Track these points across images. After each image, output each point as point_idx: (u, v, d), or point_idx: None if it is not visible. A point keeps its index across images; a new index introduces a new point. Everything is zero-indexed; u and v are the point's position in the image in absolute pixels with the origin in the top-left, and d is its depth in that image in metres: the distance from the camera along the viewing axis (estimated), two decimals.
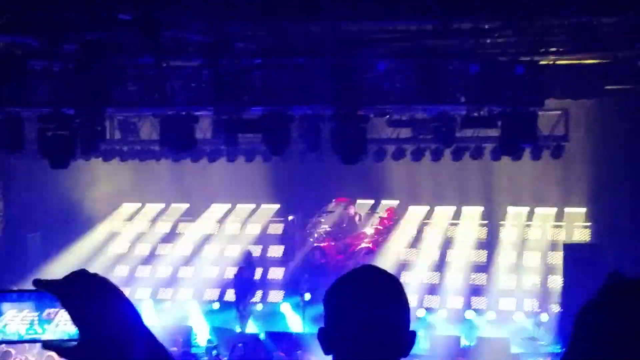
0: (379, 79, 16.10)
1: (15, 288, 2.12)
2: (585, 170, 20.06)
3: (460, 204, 21.89)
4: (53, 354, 2.07)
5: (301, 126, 17.33)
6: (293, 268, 21.93)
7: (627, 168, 19.24)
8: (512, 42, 15.71)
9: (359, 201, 22.42)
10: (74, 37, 14.70)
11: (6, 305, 2.07)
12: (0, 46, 15.11)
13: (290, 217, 22.70)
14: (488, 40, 15.82)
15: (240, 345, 17.14)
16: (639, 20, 14.49)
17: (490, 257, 21.17)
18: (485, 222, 21.70)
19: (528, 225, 21.43)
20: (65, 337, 2.04)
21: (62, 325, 2.05)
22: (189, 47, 15.68)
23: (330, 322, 2.57)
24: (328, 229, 22.03)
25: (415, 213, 22.27)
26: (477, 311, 19.69)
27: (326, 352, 2.56)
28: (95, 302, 1.97)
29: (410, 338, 2.57)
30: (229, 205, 23.16)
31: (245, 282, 19.99)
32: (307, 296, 18.95)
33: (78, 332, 1.97)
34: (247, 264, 20.28)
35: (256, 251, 22.51)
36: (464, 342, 18.08)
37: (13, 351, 14.67)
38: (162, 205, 23.51)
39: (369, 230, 22.12)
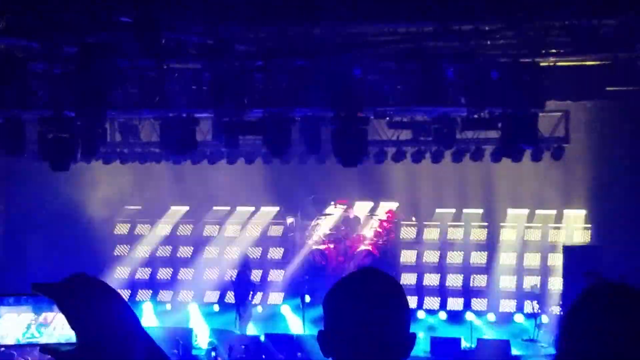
0: (379, 81, 16.11)
1: (13, 292, 2.12)
2: (586, 172, 20.06)
3: (461, 205, 21.89)
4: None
5: (301, 128, 17.34)
6: (293, 270, 21.92)
7: (628, 170, 19.24)
8: (512, 43, 15.71)
9: (358, 203, 22.42)
10: (74, 39, 14.69)
11: (3, 309, 2.06)
12: (0, 48, 15.10)
13: (290, 220, 22.70)
14: (488, 42, 15.82)
15: (242, 347, 17.14)
16: (639, 21, 14.49)
17: (490, 258, 21.17)
18: (486, 223, 21.70)
19: (528, 227, 21.42)
20: (63, 341, 2.03)
21: (59, 328, 2.04)
22: (189, 50, 15.67)
23: (330, 324, 2.56)
24: (328, 232, 22.03)
25: (415, 215, 22.28)
26: (477, 313, 19.68)
27: (326, 355, 2.56)
28: (93, 305, 1.96)
29: (410, 340, 2.57)
30: (229, 208, 23.17)
31: (244, 284, 19.98)
32: (307, 298, 18.94)
33: (75, 335, 1.97)
34: (245, 267, 20.27)
35: (256, 253, 22.52)
36: (464, 344, 18.06)
37: (15, 353, 14.66)
38: (163, 208, 23.51)
39: (368, 232, 22.11)
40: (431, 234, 22.02)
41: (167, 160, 20.50)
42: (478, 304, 20.24)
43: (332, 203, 22.41)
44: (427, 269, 21.36)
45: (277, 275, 22.15)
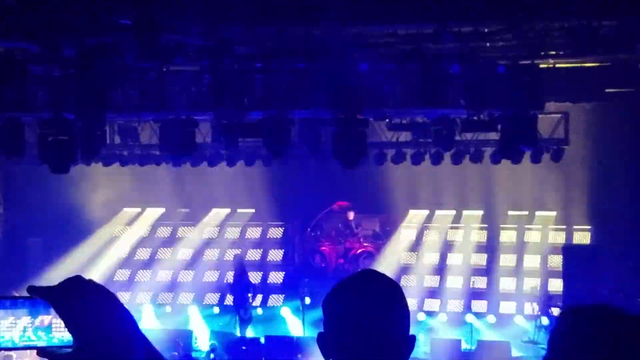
0: (379, 83, 16.11)
1: (13, 294, 2.12)
2: (585, 174, 20.06)
3: (460, 207, 21.89)
4: None
5: (301, 130, 17.35)
6: (293, 272, 21.93)
7: (627, 171, 19.24)
8: (512, 45, 15.71)
9: (358, 205, 22.42)
10: (74, 41, 14.69)
11: (0, 312, 2.06)
12: (0, 51, 15.10)
13: (289, 222, 22.70)
14: (488, 44, 15.82)
15: (243, 348, 17.14)
16: (638, 23, 14.49)
17: (490, 260, 21.18)
18: (485, 225, 21.71)
19: (528, 229, 21.43)
20: (60, 344, 2.03)
21: (56, 331, 2.04)
22: (188, 51, 15.67)
23: (330, 326, 2.56)
24: (328, 233, 22.03)
25: (415, 217, 22.29)
26: (478, 315, 19.67)
27: (326, 357, 2.56)
28: (90, 308, 1.96)
29: (410, 342, 2.56)
30: (228, 210, 23.18)
31: (243, 286, 19.97)
32: (307, 300, 18.95)
33: (72, 338, 1.96)
34: (241, 269, 20.26)
35: (256, 255, 22.53)
36: (464, 346, 18.06)
37: (14, 355, 14.66)
38: (163, 210, 23.53)
39: (368, 234, 22.12)
40: (431, 235, 22.02)
41: (166, 162, 20.49)
42: (478, 305, 20.22)
43: (333, 204, 22.40)
44: (427, 271, 21.36)
45: (277, 277, 22.16)
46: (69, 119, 16.01)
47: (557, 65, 16.30)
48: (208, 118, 17.57)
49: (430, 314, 20.03)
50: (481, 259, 21.34)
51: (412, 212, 22.31)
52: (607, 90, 17.20)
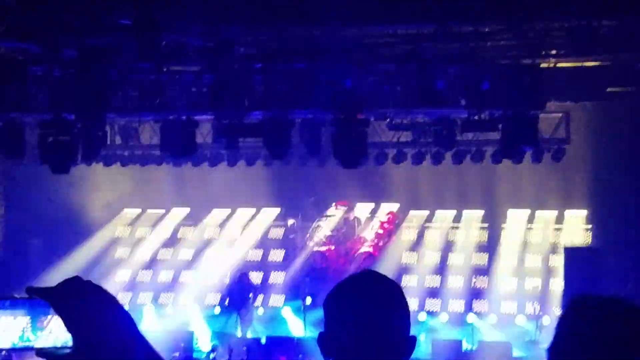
0: (379, 83, 16.10)
1: (13, 295, 2.11)
2: (586, 173, 20.05)
3: (461, 207, 21.88)
4: None
5: (302, 130, 17.34)
6: (294, 272, 21.92)
7: (628, 171, 19.22)
8: (512, 45, 15.70)
9: (359, 205, 22.42)
10: (74, 42, 14.69)
11: None
12: (0, 51, 15.10)
13: (290, 222, 22.70)
14: (488, 43, 15.81)
15: (244, 349, 17.14)
16: (639, 23, 14.48)
17: (491, 260, 21.16)
18: (486, 225, 21.69)
19: (529, 228, 21.42)
20: (59, 345, 2.03)
21: (55, 332, 2.04)
22: (189, 52, 15.67)
23: (330, 327, 2.56)
24: (328, 234, 22.02)
25: (415, 216, 22.28)
26: (479, 315, 19.66)
27: (326, 357, 2.55)
28: (89, 309, 1.95)
29: (411, 343, 2.56)
30: (229, 210, 23.17)
31: (243, 287, 19.99)
32: (308, 300, 18.95)
33: (72, 339, 1.96)
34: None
35: (257, 255, 22.53)
36: (465, 346, 18.06)
37: (13, 356, 14.66)
38: (163, 210, 23.53)
39: (369, 234, 22.11)
40: (432, 235, 22.01)
41: (167, 162, 20.49)
42: (479, 305, 20.21)
43: (333, 205, 22.39)
44: (428, 271, 21.34)
45: (278, 278, 22.15)
46: (69, 120, 16.02)
47: (557, 65, 16.30)
48: (208, 118, 17.56)
49: (431, 314, 20.02)
50: (482, 259, 21.33)
51: (412, 212, 22.30)
52: (608, 89, 17.20)
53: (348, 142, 15.91)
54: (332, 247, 21.84)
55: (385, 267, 19.49)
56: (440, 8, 14.07)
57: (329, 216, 22.29)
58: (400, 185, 21.53)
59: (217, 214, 23.20)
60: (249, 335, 19.25)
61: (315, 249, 21.89)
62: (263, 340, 18.15)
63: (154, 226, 23.43)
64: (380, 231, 22.08)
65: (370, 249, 21.69)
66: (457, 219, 21.97)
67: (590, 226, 20.75)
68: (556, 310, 18.99)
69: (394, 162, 19.82)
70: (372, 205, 22.47)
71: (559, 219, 21.25)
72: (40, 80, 15.96)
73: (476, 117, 16.60)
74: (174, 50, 15.18)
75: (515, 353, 17.70)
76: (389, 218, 22.19)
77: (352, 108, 15.77)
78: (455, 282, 20.95)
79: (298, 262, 22.15)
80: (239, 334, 19.15)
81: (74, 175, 18.67)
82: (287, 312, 20.23)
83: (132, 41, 14.08)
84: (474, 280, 20.89)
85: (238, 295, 19.83)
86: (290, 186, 21.83)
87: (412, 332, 2.58)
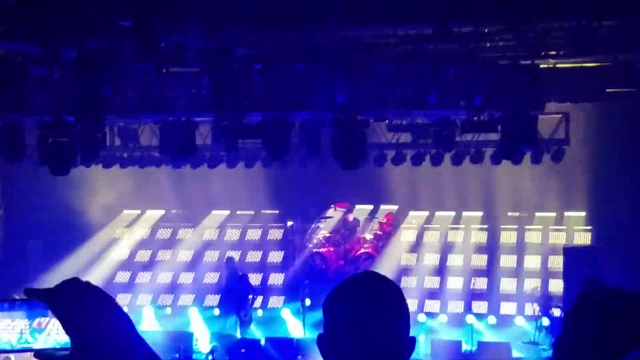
0: (378, 84, 16.09)
1: (13, 297, 2.11)
2: (586, 174, 20.06)
3: (461, 208, 21.89)
4: None
5: (301, 132, 17.33)
6: (293, 274, 21.92)
7: (628, 171, 19.23)
8: (512, 45, 15.70)
9: (358, 206, 22.42)
10: (73, 43, 14.68)
11: None
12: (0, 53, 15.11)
13: (289, 223, 22.70)
14: (488, 44, 15.81)
15: (242, 350, 17.13)
16: (639, 23, 14.48)
17: (490, 261, 21.17)
18: (486, 226, 21.70)
19: (528, 229, 21.42)
20: (57, 347, 2.02)
21: (53, 334, 2.04)
22: (188, 53, 15.65)
23: (330, 328, 2.55)
24: (327, 235, 22.03)
25: (415, 218, 22.29)
26: (478, 316, 19.66)
27: (325, 359, 2.55)
28: (87, 310, 1.95)
29: (410, 344, 2.56)
30: (229, 211, 23.18)
31: (242, 288, 19.98)
32: (308, 302, 18.95)
33: (70, 340, 1.95)
34: (233, 270, 20.28)
35: (256, 257, 22.54)
36: (464, 347, 18.06)
37: (12, 357, 14.66)
38: (162, 212, 23.54)
39: (368, 235, 22.12)
40: (431, 236, 22.02)
41: (166, 164, 20.50)
42: (479, 306, 20.22)
43: (332, 206, 22.41)
44: (427, 272, 21.35)
45: (277, 279, 22.16)
46: (68, 121, 16.00)
47: (557, 66, 16.29)
48: (208, 120, 17.56)
49: (430, 315, 20.01)
50: (481, 260, 21.34)
51: (412, 213, 22.32)
52: (607, 90, 17.19)
53: (347, 143, 15.90)
54: (331, 249, 21.84)
55: (385, 268, 19.49)
56: (440, 9, 14.07)
57: (328, 217, 22.30)
58: (399, 186, 21.54)
59: (217, 215, 23.21)
60: (248, 336, 19.25)
61: (315, 250, 21.90)
62: (262, 342, 18.14)
63: (153, 227, 23.43)
64: (380, 232, 22.09)
65: (370, 250, 21.70)
66: (457, 220, 22.00)
67: (589, 227, 20.75)
68: (556, 311, 18.98)
69: (394, 163, 19.84)
70: (371, 206, 22.49)
71: (559, 220, 21.26)
72: (40, 82, 15.93)
73: (475, 118, 16.59)
74: (173, 51, 15.15)
75: (515, 354, 17.70)
76: (387, 219, 22.20)
77: (351, 109, 15.76)
78: (455, 283, 20.97)
79: (297, 263, 22.17)
80: (238, 335, 19.14)
81: (74, 177, 18.66)
82: (287, 314, 20.23)
83: (132, 42, 14.07)
84: (473, 281, 20.90)
85: (237, 296, 19.82)
86: (289, 188, 21.84)
87: (412, 333, 2.58)
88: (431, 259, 21.59)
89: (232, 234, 23.07)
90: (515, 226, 21.51)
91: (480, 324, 19.40)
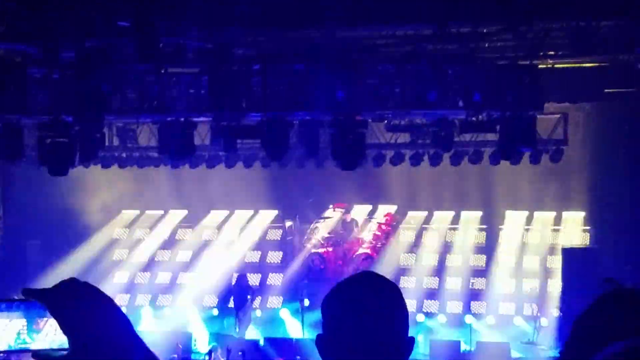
0: (377, 84, 16.10)
1: (12, 297, 2.11)
2: (584, 174, 20.07)
3: (459, 208, 21.89)
4: None
5: (300, 132, 17.32)
6: (292, 274, 21.91)
7: (626, 172, 19.22)
8: (511, 46, 15.71)
9: (357, 207, 22.42)
10: (72, 44, 14.69)
11: None
12: None
13: (288, 223, 22.70)
14: (487, 44, 15.82)
15: (240, 352, 17.12)
16: (637, 23, 14.49)
17: (489, 261, 21.17)
18: (484, 226, 21.70)
19: (527, 230, 21.42)
20: (55, 347, 2.02)
21: (51, 334, 2.04)
22: (187, 54, 15.66)
23: (328, 328, 2.55)
24: (326, 235, 22.02)
25: (414, 218, 22.29)
26: (477, 316, 19.66)
27: (324, 359, 2.55)
28: (85, 310, 1.95)
29: (409, 344, 2.55)
30: (227, 211, 23.17)
31: (243, 288, 19.99)
32: (306, 302, 18.93)
33: (68, 341, 1.95)
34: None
35: (255, 257, 22.53)
36: (463, 347, 18.05)
37: (11, 358, 14.66)
38: (161, 212, 23.53)
39: (367, 235, 22.11)
40: (430, 236, 22.01)
41: (165, 164, 20.49)
42: (477, 306, 20.22)
43: (331, 206, 22.40)
44: (426, 272, 21.35)
45: (276, 279, 22.14)
46: (67, 122, 16.01)
47: (556, 66, 16.30)
48: (207, 120, 17.56)
49: (429, 315, 20.01)
50: (480, 260, 21.34)
51: (410, 214, 22.31)
52: (606, 90, 17.20)
53: (346, 143, 15.91)
54: (330, 249, 21.83)
55: (384, 269, 19.48)
56: (439, 9, 14.08)
57: (327, 218, 22.30)
58: (398, 186, 21.54)
59: (215, 215, 23.21)
60: (247, 336, 19.24)
61: (313, 250, 21.88)
62: (261, 342, 18.14)
63: (152, 228, 23.42)
64: (378, 233, 22.08)
65: (368, 251, 21.68)
66: (456, 220, 21.99)
67: (588, 227, 20.76)
68: (554, 312, 18.99)
69: (392, 163, 19.82)
70: (369, 207, 22.49)
71: (557, 220, 21.27)
72: (39, 83, 15.94)
73: (474, 118, 16.59)
74: (172, 52, 15.17)
75: (514, 354, 17.71)
76: (386, 220, 22.20)
77: (350, 109, 15.77)
78: (454, 283, 20.96)
79: (296, 263, 22.15)
80: (237, 335, 19.13)
81: (72, 177, 18.66)
82: (285, 314, 20.21)
83: (131, 43, 14.08)
84: (472, 281, 20.90)
85: (236, 296, 19.83)
86: (288, 188, 21.84)
87: (411, 333, 2.58)
88: (430, 259, 21.58)
89: (231, 234, 23.04)
90: (514, 226, 21.49)
91: (479, 324, 19.40)
